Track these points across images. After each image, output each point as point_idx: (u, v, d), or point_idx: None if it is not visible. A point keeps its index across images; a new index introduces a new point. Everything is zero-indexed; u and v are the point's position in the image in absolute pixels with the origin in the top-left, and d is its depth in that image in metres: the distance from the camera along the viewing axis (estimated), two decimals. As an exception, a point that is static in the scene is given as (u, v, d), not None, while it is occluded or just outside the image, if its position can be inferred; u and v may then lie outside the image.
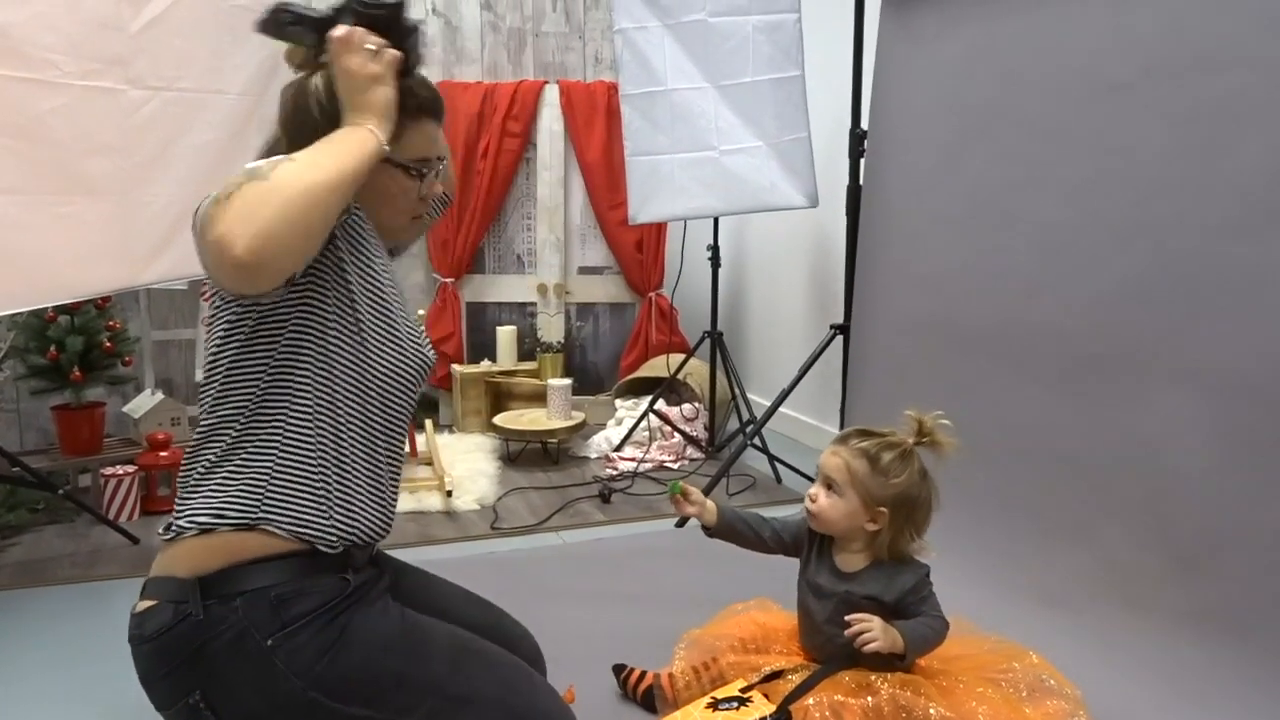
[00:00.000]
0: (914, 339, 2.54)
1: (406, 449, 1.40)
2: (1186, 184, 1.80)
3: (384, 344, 1.31)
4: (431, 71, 3.87)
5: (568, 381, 3.44)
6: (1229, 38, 1.73)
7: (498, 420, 3.43)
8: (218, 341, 1.24)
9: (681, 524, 2.73)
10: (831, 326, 2.90)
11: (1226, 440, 1.72)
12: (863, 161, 2.76)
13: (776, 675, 1.57)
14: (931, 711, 1.42)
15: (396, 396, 1.35)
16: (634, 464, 3.27)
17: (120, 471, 2.71)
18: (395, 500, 1.39)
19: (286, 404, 1.23)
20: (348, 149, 1.18)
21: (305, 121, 1.27)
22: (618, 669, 1.75)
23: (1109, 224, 1.96)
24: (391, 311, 1.33)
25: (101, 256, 2.05)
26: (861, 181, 2.76)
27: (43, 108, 1.91)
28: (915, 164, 2.53)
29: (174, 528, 1.24)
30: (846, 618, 1.46)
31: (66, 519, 2.72)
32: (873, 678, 1.51)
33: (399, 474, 1.40)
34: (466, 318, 3.93)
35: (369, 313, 1.29)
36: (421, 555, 2.46)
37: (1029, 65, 2.17)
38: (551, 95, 3.83)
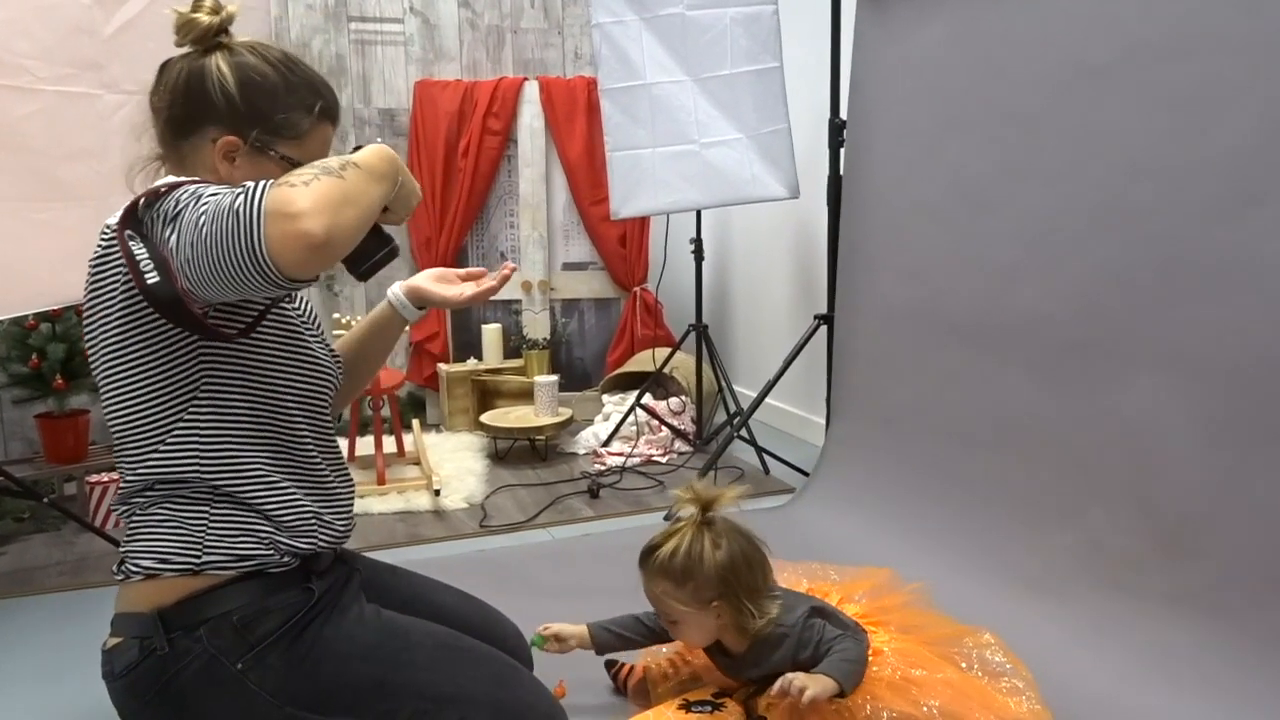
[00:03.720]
0: (897, 327, 2.54)
1: (342, 441, 1.38)
2: (1165, 168, 1.80)
3: (294, 362, 1.29)
4: (410, 70, 3.86)
5: (554, 378, 3.44)
6: (1207, 21, 1.74)
7: (485, 418, 3.42)
8: (117, 373, 1.20)
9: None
10: (815, 316, 2.91)
11: (1207, 423, 1.73)
12: (843, 151, 2.77)
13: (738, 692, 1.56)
14: (891, 712, 1.42)
15: (319, 405, 1.33)
16: (622, 459, 3.27)
17: (106, 479, 2.70)
18: (350, 498, 1.38)
19: (211, 445, 1.21)
20: (393, 170, 1.17)
21: (200, 104, 1.22)
22: (609, 664, 1.75)
23: (1089, 209, 1.97)
24: (293, 323, 1.31)
25: (81, 262, 2.03)
26: (842, 171, 2.77)
27: (17, 114, 1.90)
28: (895, 153, 2.54)
29: (124, 569, 1.23)
30: (771, 692, 1.40)
31: (53, 527, 2.70)
32: None
33: (343, 469, 1.39)
34: (451, 316, 3.92)
35: (274, 332, 1.27)
36: (410, 555, 2.46)
37: (1007, 52, 2.18)
38: (531, 92, 3.82)
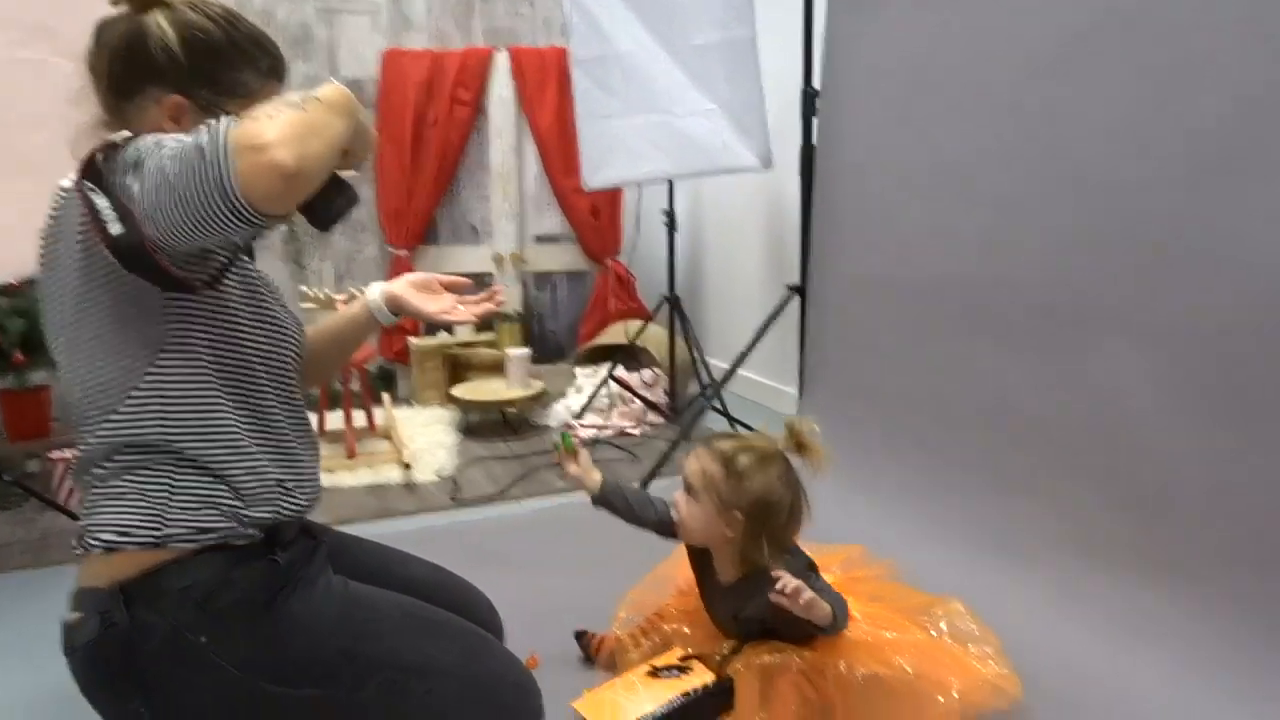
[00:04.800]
0: (869, 297, 2.54)
1: (312, 415, 1.36)
2: (1138, 139, 1.80)
3: (257, 320, 1.27)
4: (377, 40, 3.80)
5: (526, 350, 3.42)
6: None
7: (456, 391, 3.40)
8: (75, 334, 1.17)
9: (644, 487, 2.72)
10: (788, 287, 2.90)
11: (1177, 390, 1.74)
12: (815, 121, 2.75)
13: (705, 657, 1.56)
14: (861, 672, 1.43)
15: (284, 367, 1.31)
16: (595, 431, 3.26)
17: (69, 455, 2.66)
18: (314, 469, 1.36)
19: (175, 404, 1.18)
20: (351, 107, 1.14)
21: (142, 65, 1.19)
22: (579, 634, 1.75)
23: (1060, 180, 1.97)
24: (254, 283, 1.29)
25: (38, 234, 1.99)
26: (815, 141, 2.75)
27: (-31, 82, 1.85)
28: (868, 122, 2.53)
29: (83, 543, 1.20)
30: (778, 585, 1.37)
31: (15, 505, 2.66)
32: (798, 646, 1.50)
33: (310, 439, 1.36)
34: (422, 290, 3.88)
35: (237, 290, 1.25)
36: (382, 528, 2.44)
37: (981, 22, 2.16)
38: (501, 62, 3.77)
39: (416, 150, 3.75)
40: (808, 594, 1.36)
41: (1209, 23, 1.67)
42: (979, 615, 1.62)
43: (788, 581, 1.36)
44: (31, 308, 2.71)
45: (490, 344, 3.77)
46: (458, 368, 3.75)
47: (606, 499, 1.67)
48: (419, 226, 3.79)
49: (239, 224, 1.00)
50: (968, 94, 2.20)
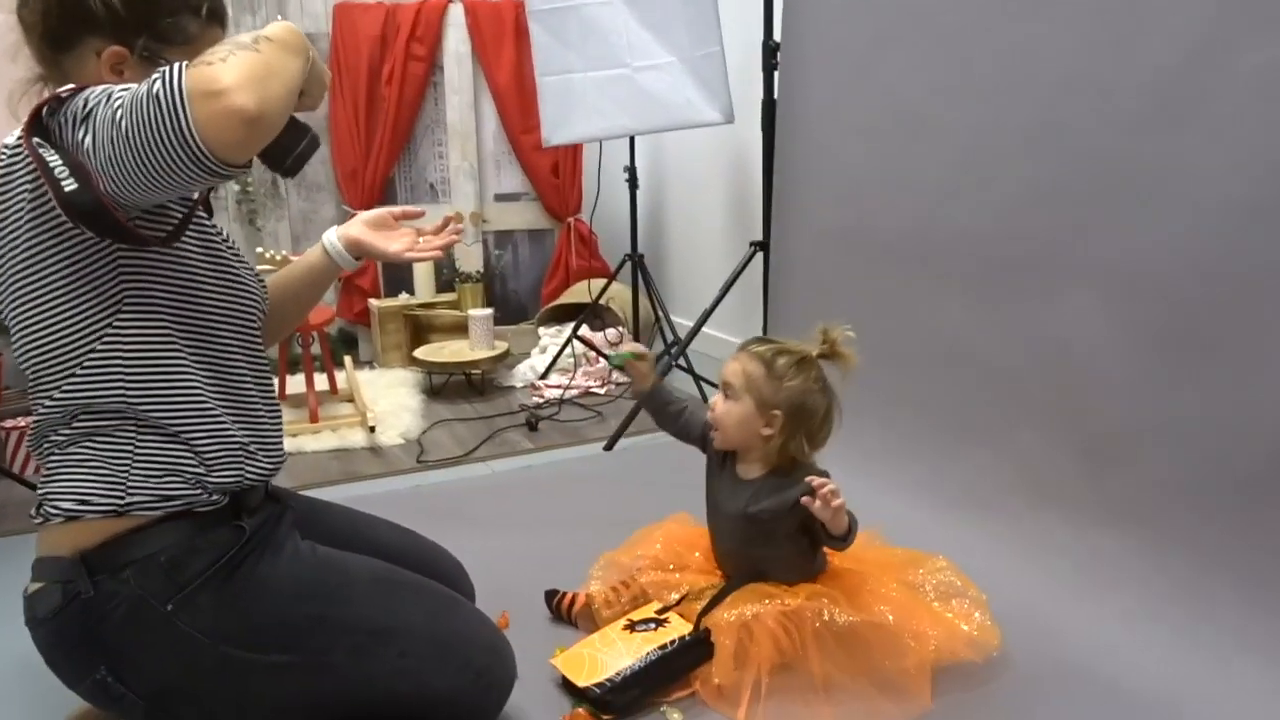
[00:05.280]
0: (831, 251, 2.54)
1: (275, 378, 1.34)
2: (1095, 84, 1.80)
3: (217, 277, 1.24)
4: (329, -8, 3.69)
5: (489, 311, 3.38)
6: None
7: (419, 353, 3.37)
8: (28, 296, 1.13)
9: (610, 446, 2.73)
10: (751, 244, 2.89)
11: (1133, 337, 1.77)
12: (776, 74, 2.72)
13: (686, 597, 1.59)
14: (843, 619, 1.45)
15: (249, 325, 1.29)
16: (560, 391, 3.25)
17: (22, 423, 2.60)
18: (279, 431, 1.34)
19: (136, 365, 1.16)
20: (303, 45, 1.10)
21: (78, 15, 1.15)
22: (549, 595, 1.75)
23: (1018, 126, 1.97)
24: (212, 240, 1.26)
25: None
26: (776, 95, 2.73)
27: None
28: (828, 75, 2.51)
29: (42, 512, 1.18)
30: (811, 481, 1.43)
31: (-33, 475, 2.60)
32: (781, 589, 1.54)
33: (274, 402, 1.34)
34: (381, 250, 3.82)
35: (195, 247, 1.22)
36: (347, 492, 2.42)
37: (938, -30, 2.15)
38: (456, 15, 3.69)
39: (371, 107, 3.67)
40: (841, 500, 1.42)
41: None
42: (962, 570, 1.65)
43: (827, 482, 1.43)
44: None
45: (452, 305, 3.73)
46: (419, 329, 3.71)
47: (651, 395, 1.74)
48: (376, 186, 3.72)
49: (201, 174, 0.98)
50: (925, 44, 2.19)
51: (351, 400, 3.12)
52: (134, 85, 1.01)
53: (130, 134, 0.96)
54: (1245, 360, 1.58)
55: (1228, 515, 1.59)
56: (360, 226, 1.49)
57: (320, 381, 3.12)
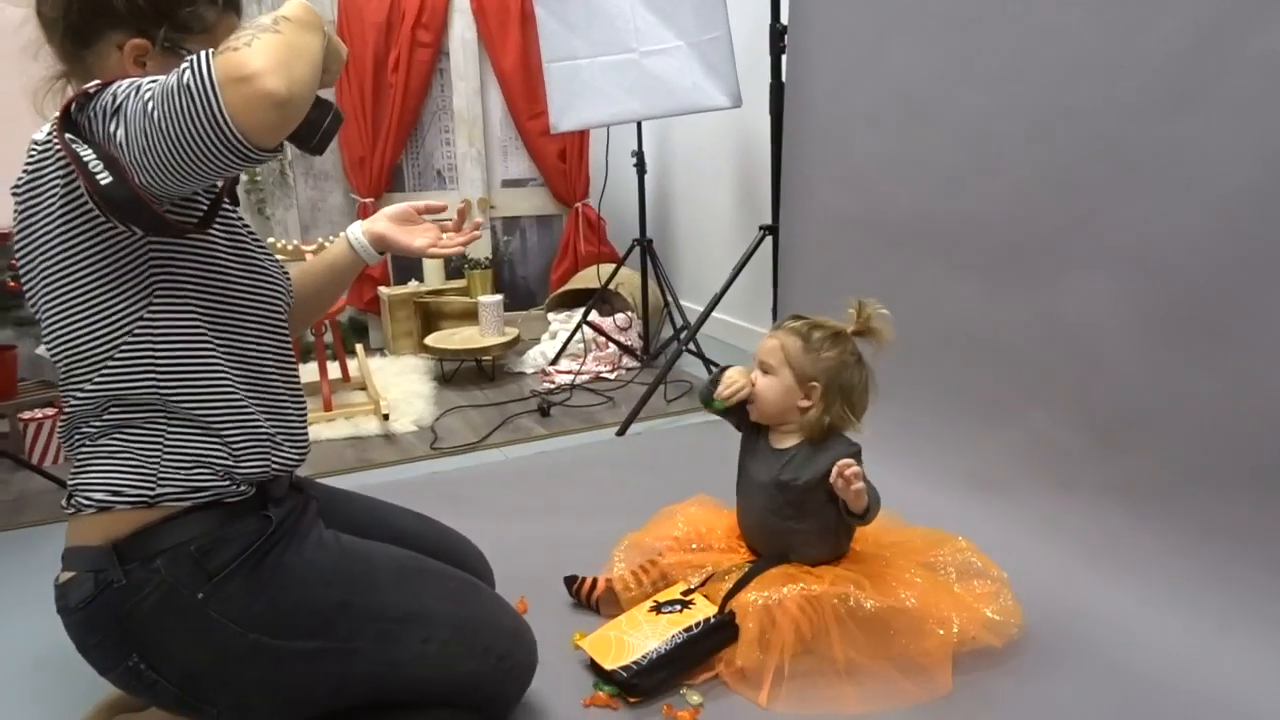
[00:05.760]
0: (841, 235, 2.55)
1: (298, 367, 1.36)
2: (1103, 67, 1.80)
3: (244, 267, 1.25)
4: (333, -20, 3.69)
5: (498, 298, 3.39)
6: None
7: (430, 340, 3.38)
8: (60, 289, 1.14)
9: (622, 432, 2.74)
10: (760, 228, 2.90)
11: (1145, 319, 1.77)
12: (784, 58, 2.72)
13: (712, 578, 1.61)
14: (867, 604, 1.47)
15: (275, 315, 1.30)
16: (571, 376, 3.26)
17: (40, 415, 2.63)
18: (304, 422, 1.35)
19: (167, 356, 1.17)
20: (319, 21, 1.10)
21: (99, 8, 1.16)
22: (569, 580, 1.77)
23: (1028, 110, 1.97)
24: (237, 230, 1.27)
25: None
26: (784, 79, 2.73)
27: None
28: (837, 59, 2.51)
29: (73, 503, 1.19)
30: (838, 462, 1.47)
31: (-13, 466, 2.63)
32: (805, 572, 1.56)
33: (299, 392, 1.36)
34: (390, 238, 3.83)
35: (222, 237, 1.23)
36: (362, 480, 2.44)
37: (947, -48, 2.14)
38: (462, 2, 3.69)
39: (378, 95, 3.67)
40: (860, 485, 1.46)
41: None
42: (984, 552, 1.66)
43: (852, 463, 1.46)
44: (-10, 267, 2.65)
45: (461, 291, 3.74)
46: (430, 316, 3.73)
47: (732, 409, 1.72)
48: (384, 173, 3.73)
49: (235, 159, 0.99)
50: (933, 29, 2.19)
51: (364, 388, 3.14)
52: (161, 77, 1.01)
53: (163, 124, 0.97)
54: (1256, 343, 1.58)
55: (1241, 496, 1.60)
56: (385, 222, 1.51)
57: (333, 370, 3.14)
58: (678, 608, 1.55)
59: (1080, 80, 1.85)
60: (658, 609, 1.56)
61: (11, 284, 2.69)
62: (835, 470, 1.46)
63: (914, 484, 2.05)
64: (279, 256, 2.91)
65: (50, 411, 2.65)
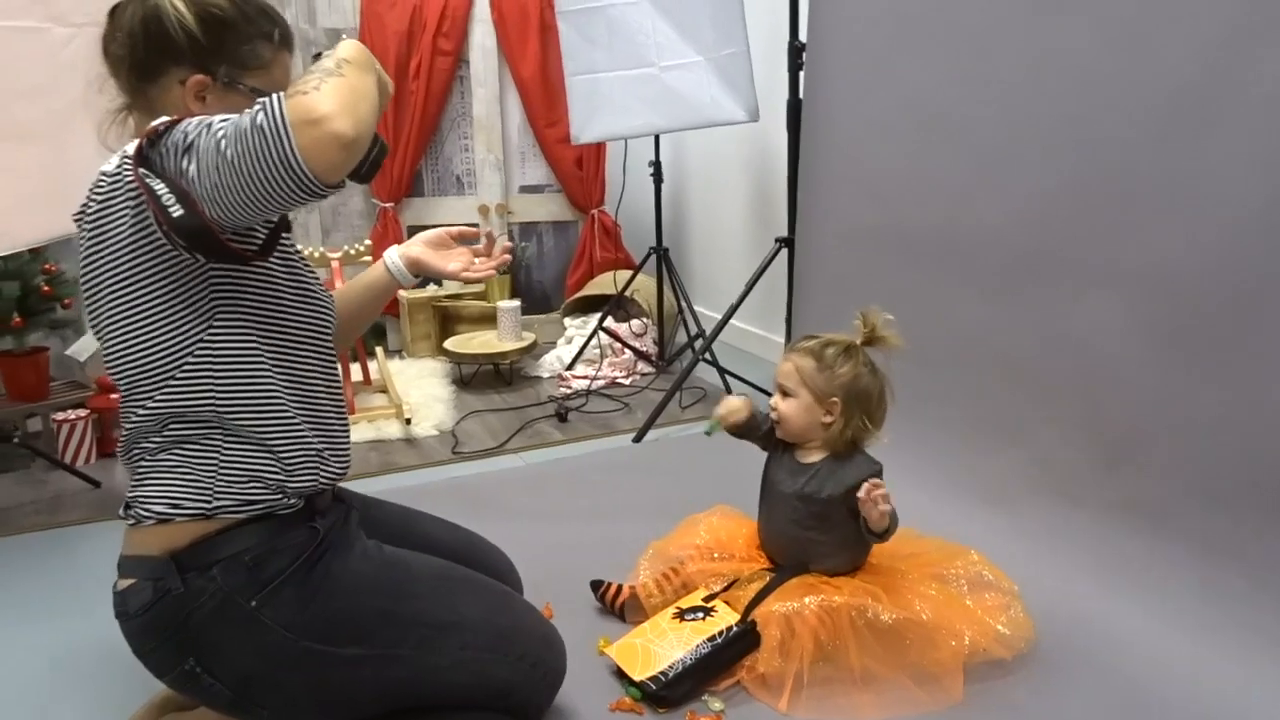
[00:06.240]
0: (856, 248, 2.60)
1: (341, 382, 1.43)
2: (1115, 89, 1.85)
3: (296, 291, 1.31)
4: (356, -12, 3.75)
5: (516, 303, 3.45)
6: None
7: (448, 344, 3.44)
8: (126, 311, 1.21)
9: (639, 438, 2.81)
10: (776, 239, 2.96)
11: (1153, 339, 1.82)
12: (802, 74, 2.78)
13: (734, 584, 1.67)
14: (884, 616, 1.53)
15: (324, 336, 1.36)
16: (587, 382, 3.33)
17: (73, 416, 2.69)
18: (347, 436, 1.42)
19: (226, 376, 1.23)
20: (372, 62, 1.18)
21: (163, 46, 1.23)
22: (595, 584, 1.83)
23: (1041, 129, 2.02)
24: (289, 255, 1.34)
25: (38, 204, 1.99)
26: (801, 95, 2.79)
27: (-34, 53, 1.84)
28: (853, 75, 2.56)
29: (133, 514, 1.26)
30: (868, 481, 1.54)
31: (21, 466, 2.69)
32: (824, 582, 1.62)
33: (343, 408, 1.42)
34: (409, 242, 3.90)
35: (277, 262, 1.29)
36: (386, 484, 2.51)
37: (964, -24, 2.20)
38: (482, 10, 3.74)
39: (399, 102, 3.73)
40: (887, 506, 1.54)
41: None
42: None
43: (881, 485, 1.54)
44: (25, 270, 2.72)
45: (479, 295, 3.80)
46: (447, 320, 3.79)
47: (747, 433, 1.79)
48: (404, 179, 3.79)
49: (302, 195, 1.07)
50: (950, 46, 2.24)
51: (384, 391, 3.20)
52: (232, 116, 1.08)
53: (236, 162, 1.04)
54: (1263, 362, 1.64)
55: (1247, 516, 1.66)
56: (420, 246, 1.59)
57: (354, 372, 3.20)
58: (700, 615, 1.61)
59: (1092, 101, 1.90)
60: (680, 616, 1.62)
61: (45, 288, 2.75)
62: (864, 489, 1.53)
63: (926, 496, 2.10)
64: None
65: (82, 413, 2.72)
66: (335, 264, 3.06)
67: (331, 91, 1.05)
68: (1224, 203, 1.68)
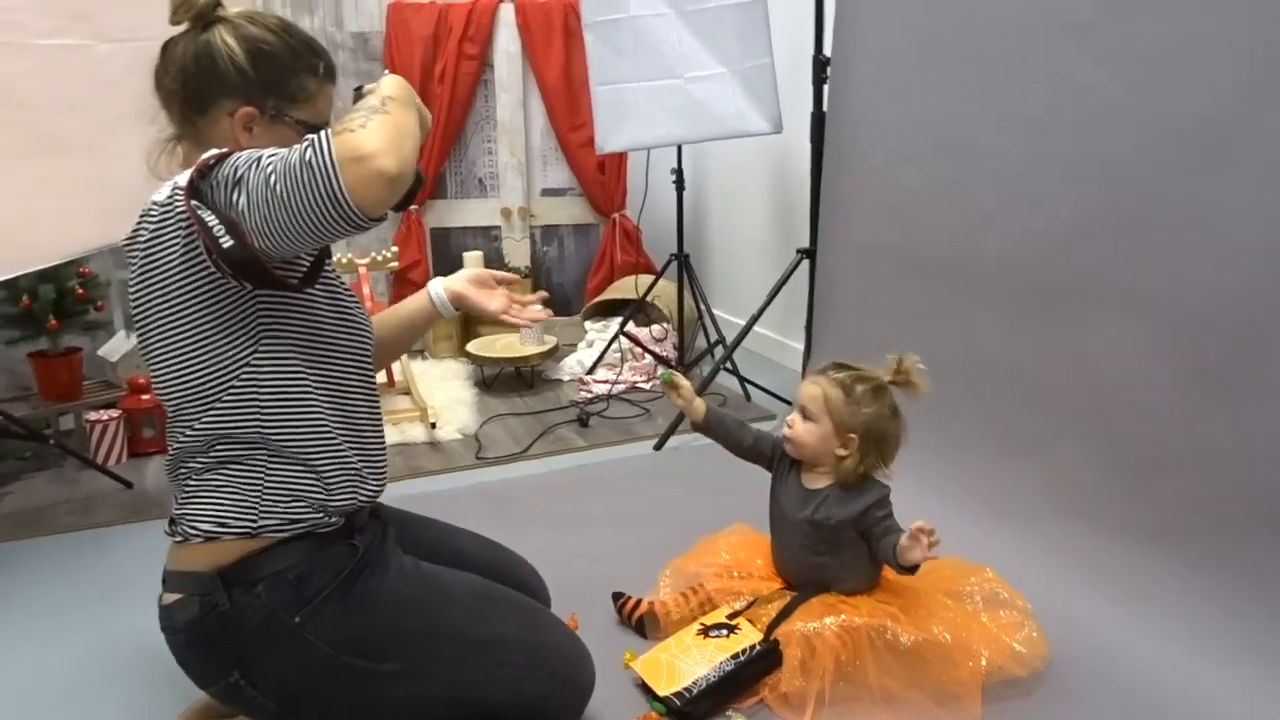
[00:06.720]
0: (877, 264, 2.63)
1: (379, 402, 1.48)
2: (1137, 121, 1.88)
3: (336, 314, 1.36)
4: (383, -8, 3.78)
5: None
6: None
7: (471, 347, 3.49)
8: (176, 336, 1.25)
9: (660, 446, 2.85)
10: (798, 250, 2.99)
11: (1170, 364, 1.85)
12: (826, 88, 2.80)
13: (755, 603, 1.71)
14: (903, 638, 1.57)
15: (365, 359, 1.41)
16: (608, 386, 3.37)
17: (105, 417, 2.75)
18: (384, 455, 1.46)
19: (270, 398, 1.28)
20: (413, 97, 1.23)
21: (214, 80, 1.28)
22: (615, 596, 1.87)
23: (1062, 158, 2.05)
24: (330, 279, 1.38)
25: (79, 217, 2.05)
26: (824, 108, 2.81)
27: (12, 71, 1.88)
28: (877, 93, 2.58)
29: (180, 531, 1.31)
30: (915, 525, 1.53)
31: (54, 465, 2.76)
32: (844, 602, 1.66)
33: (380, 427, 1.46)
34: (431, 243, 3.95)
35: (319, 287, 1.33)
36: (412, 489, 2.56)
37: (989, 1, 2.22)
38: (507, 15, 3.77)
39: (424, 105, 3.76)
40: (931, 555, 1.52)
41: (1214, 6, 1.73)
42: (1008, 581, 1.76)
43: (932, 529, 1.51)
44: (61, 272, 2.77)
45: (500, 298, 3.84)
46: (468, 320, 3.83)
47: (709, 426, 1.86)
48: (427, 181, 3.83)
49: (347, 229, 1.11)
50: (973, 71, 2.26)
51: (408, 393, 3.25)
52: (281, 151, 1.13)
53: (285, 196, 1.09)
54: (1277, 392, 1.67)
55: (1262, 543, 1.68)
56: (464, 283, 1.66)
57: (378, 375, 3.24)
58: (724, 632, 1.65)
59: (1112, 133, 1.92)
60: (705, 632, 1.66)
61: (79, 291, 2.81)
62: (912, 532, 1.53)
63: (938, 513, 2.11)
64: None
65: (114, 413, 2.78)
66: (363, 270, 3.10)
67: (377, 129, 1.09)
68: (1242, 232, 1.71)
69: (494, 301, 1.66)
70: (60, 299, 2.78)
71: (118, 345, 3.06)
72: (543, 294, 1.71)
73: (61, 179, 2.03)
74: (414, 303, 1.66)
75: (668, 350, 3.58)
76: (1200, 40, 1.76)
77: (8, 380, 3.13)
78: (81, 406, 2.83)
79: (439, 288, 1.64)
